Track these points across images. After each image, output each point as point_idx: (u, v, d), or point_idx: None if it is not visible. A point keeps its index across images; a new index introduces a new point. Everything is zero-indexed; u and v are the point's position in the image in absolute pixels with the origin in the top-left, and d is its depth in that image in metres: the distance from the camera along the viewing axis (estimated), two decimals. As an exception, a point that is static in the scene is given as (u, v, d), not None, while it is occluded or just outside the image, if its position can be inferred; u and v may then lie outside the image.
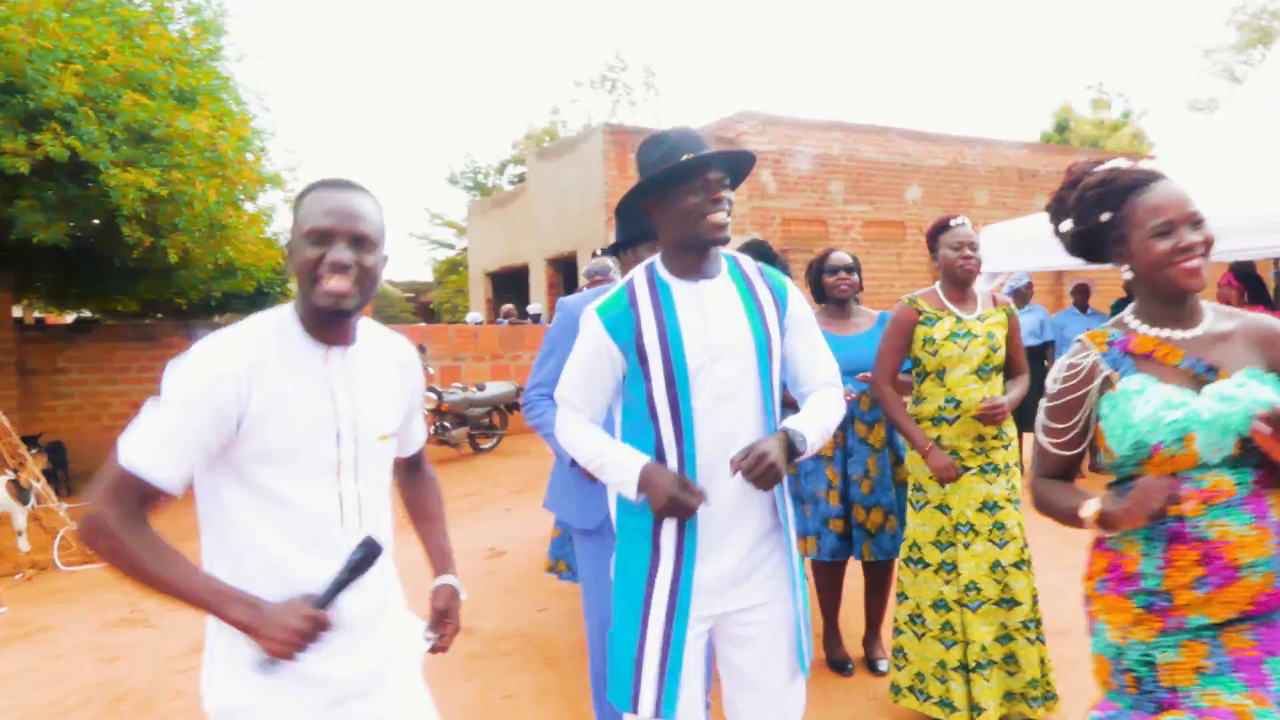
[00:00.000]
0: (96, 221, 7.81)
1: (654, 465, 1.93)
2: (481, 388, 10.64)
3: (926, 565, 3.17)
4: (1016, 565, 3.07)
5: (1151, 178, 1.72)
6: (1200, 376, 1.65)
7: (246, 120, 8.67)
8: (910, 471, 3.28)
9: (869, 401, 3.60)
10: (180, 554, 1.50)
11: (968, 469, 3.11)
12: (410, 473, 2.03)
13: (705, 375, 1.94)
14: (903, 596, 3.27)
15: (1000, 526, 3.08)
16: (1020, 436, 3.44)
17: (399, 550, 1.84)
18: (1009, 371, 3.30)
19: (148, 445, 1.48)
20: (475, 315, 15.74)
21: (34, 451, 6.94)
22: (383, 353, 1.75)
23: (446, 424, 10.10)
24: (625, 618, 1.98)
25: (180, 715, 3.66)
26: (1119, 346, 1.73)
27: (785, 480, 2.03)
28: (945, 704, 3.11)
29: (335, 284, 1.55)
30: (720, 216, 1.93)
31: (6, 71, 6.40)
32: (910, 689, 3.22)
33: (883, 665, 3.73)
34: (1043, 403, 1.82)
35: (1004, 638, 3.07)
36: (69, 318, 13.21)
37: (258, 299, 12.32)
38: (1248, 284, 6.19)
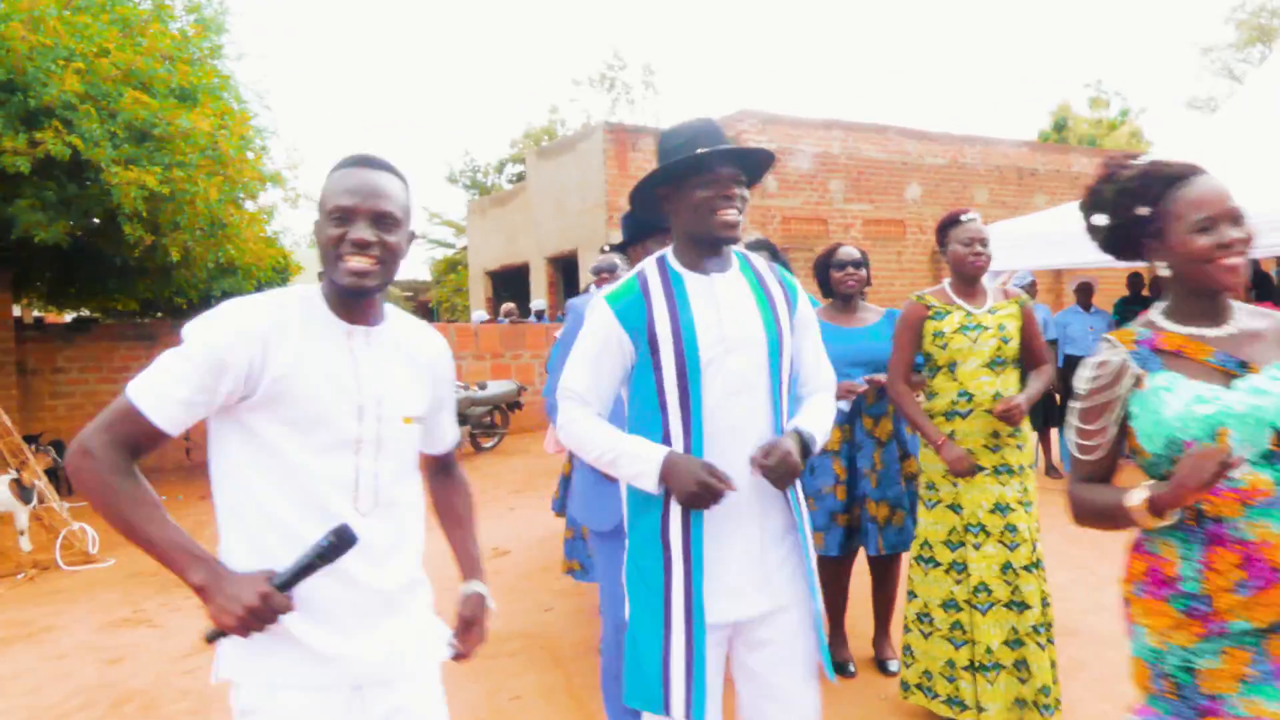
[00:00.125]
0: (96, 220, 7.79)
1: (676, 453, 1.88)
2: (483, 386, 10.62)
3: (937, 564, 3.15)
4: (1027, 568, 3.04)
5: (1192, 171, 1.68)
6: (1230, 372, 1.62)
7: (247, 118, 8.65)
8: (923, 470, 3.27)
9: (875, 395, 3.59)
10: (159, 505, 1.48)
11: (981, 469, 3.09)
12: (440, 474, 2.00)
13: (717, 368, 1.91)
14: (912, 595, 3.26)
15: (1012, 529, 3.06)
16: (1047, 433, 3.42)
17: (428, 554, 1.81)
18: (1030, 363, 3.28)
19: (155, 386, 1.49)
20: (480, 314, 15.69)
21: (38, 451, 6.92)
22: (411, 340, 1.75)
23: (447, 423, 10.06)
24: (645, 620, 1.95)
25: (185, 717, 3.64)
26: (1147, 345, 1.69)
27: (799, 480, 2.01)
28: (954, 702, 3.10)
29: (356, 262, 1.55)
30: (731, 214, 1.90)
31: (7, 69, 6.38)
32: (919, 686, 3.21)
33: (893, 665, 3.71)
34: (1073, 405, 1.77)
35: (1014, 642, 3.03)
36: (68, 317, 13.18)
37: (257, 298, 12.29)
38: (1255, 282, 6.18)
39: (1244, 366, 1.62)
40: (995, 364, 3.11)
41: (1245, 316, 1.70)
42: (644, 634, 1.94)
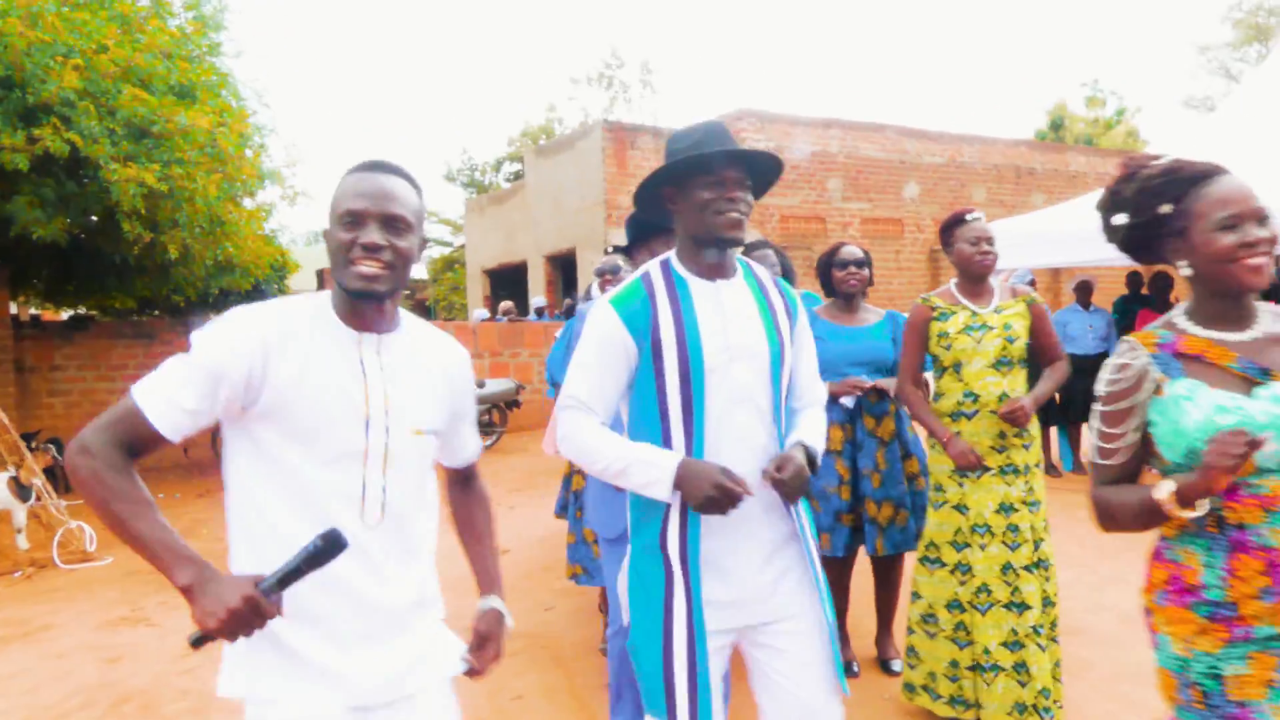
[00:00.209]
0: (95, 218, 7.76)
1: (691, 459, 1.85)
2: (481, 385, 10.60)
3: (943, 565, 3.15)
4: (1028, 568, 3.03)
5: (1216, 171, 1.66)
6: (1253, 379, 1.59)
7: (246, 116, 8.63)
8: (931, 471, 3.26)
9: (876, 395, 3.58)
10: (151, 505, 1.46)
11: (987, 469, 3.08)
12: (461, 488, 1.97)
13: (720, 376, 1.89)
14: (917, 596, 3.24)
15: (1014, 529, 3.05)
16: (1046, 432, 3.40)
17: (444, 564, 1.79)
18: (1044, 360, 3.27)
19: (159, 391, 1.50)
20: (482, 312, 15.65)
21: (36, 449, 6.90)
22: (426, 349, 1.71)
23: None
24: (647, 632, 1.92)
25: (185, 716, 3.62)
26: (1168, 349, 1.66)
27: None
28: (957, 701, 3.10)
29: (366, 266, 1.53)
30: (734, 215, 1.88)
31: (5, 65, 6.35)
32: (924, 688, 3.20)
33: (896, 665, 3.70)
34: (1095, 407, 1.74)
35: (1014, 644, 3.00)
36: (65, 315, 13.15)
37: (254, 296, 12.21)
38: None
39: (1267, 374, 1.59)
40: (1001, 364, 3.10)
41: (1270, 320, 1.66)
42: (644, 642, 1.92)
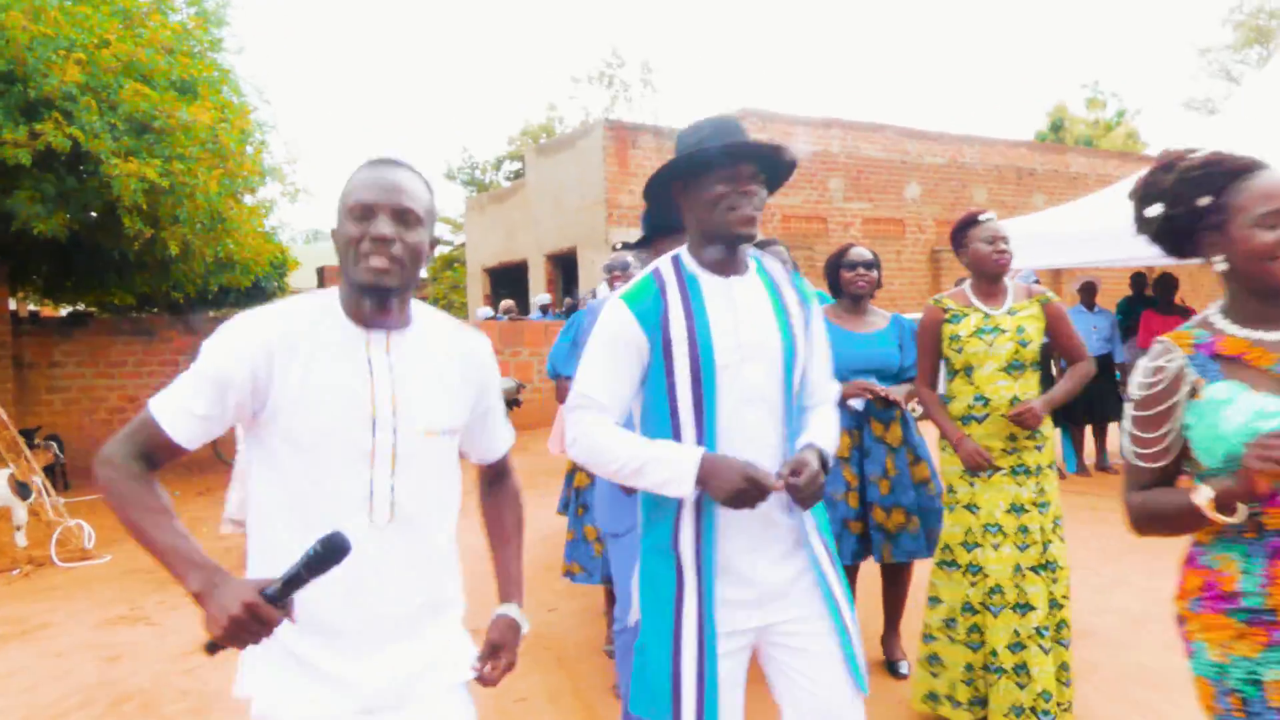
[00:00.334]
0: (95, 214, 7.73)
1: (714, 453, 1.80)
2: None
3: (957, 567, 3.12)
4: (1035, 569, 3.00)
5: (1257, 165, 1.62)
6: None
7: (247, 112, 8.60)
8: (943, 473, 3.23)
9: (883, 401, 3.55)
10: (167, 512, 1.47)
11: (998, 469, 3.06)
12: (491, 485, 1.92)
13: (732, 375, 1.85)
14: (937, 600, 3.19)
15: (1024, 530, 3.02)
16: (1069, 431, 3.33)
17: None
18: (1066, 360, 3.24)
19: (170, 400, 1.52)
20: (486, 310, 15.59)
21: (36, 446, 6.87)
22: (442, 343, 1.66)
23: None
24: (655, 629, 1.90)
25: (185, 716, 3.59)
26: (1205, 349, 1.61)
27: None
28: (975, 703, 3.07)
29: (376, 260, 1.49)
30: (747, 211, 1.84)
31: (7, 60, 6.33)
32: (947, 697, 3.13)
33: (903, 668, 3.67)
34: (1128, 410, 1.69)
35: (1016, 645, 2.98)
36: (63, 311, 13.11)
37: (254, 293, 12.23)
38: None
39: None
40: (1013, 368, 3.06)
41: None
42: (653, 643, 1.89)
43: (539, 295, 15.80)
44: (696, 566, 1.86)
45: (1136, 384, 1.67)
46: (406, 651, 1.59)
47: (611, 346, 1.88)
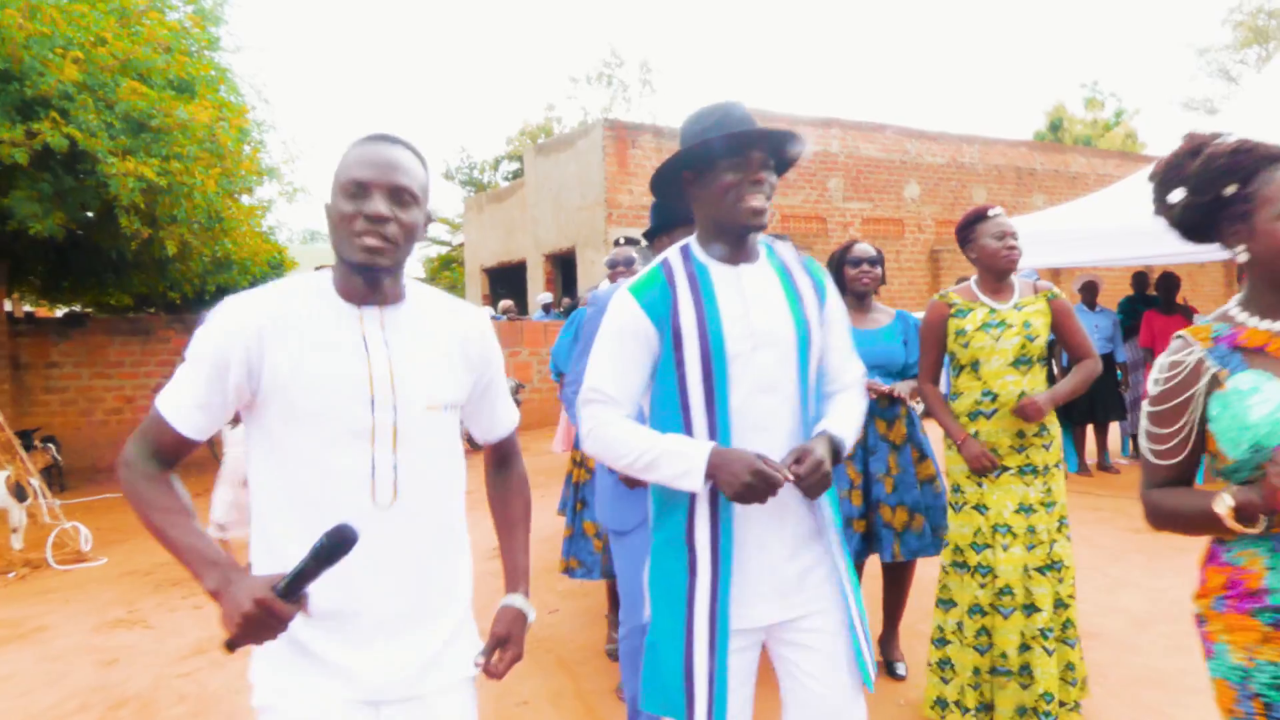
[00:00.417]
0: (92, 213, 7.69)
1: (723, 446, 1.77)
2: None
3: (967, 568, 3.08)
4: (1041, 569, 2.97)
5: None
6: None
7: (245, 111, 8.56)
8: (949, 472, 3.20)
9: (887, 400, 3.52)
10: (184, 511, 1.48)
11: (1006, 469, 3.02)
12: (498, 469, 1.90)
13: (744, 364, 1.81)
14: (950, 603, 3.14)
15: (1032, 530, 2.99)
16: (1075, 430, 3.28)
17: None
18: (1072, 356, 3.20)
19: (173, 393, 1.52)
20: (485, 310, 15.52)
21: (36, 447, 6.83)
22: (439, 319, 1.64)
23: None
24: (667, 624, 1.86)
25: (184, 720, 3.56)
26: (1225, 341, 1.57)
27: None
28: (982, 708, 3.04)
29: (370, 239, 1.47)
30: (758, 200, 1.81)
31: (4, 58, 6.29)
32: (956, 703, 3.08)
33: (900, 669, 3.65)
34: (1145, 406, 1.66)
35: (1021, 646, 2.96)
36: (59, 312, 13.06)
37: (252, 293, 12.20)
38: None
39: None
40: (1020, 363, 3.02)
41: None
42: (665, 638, 1.86)
43: (541, 294, 15.75)
44: (712, 559, 1.82)
45: (1153, 380, 1.63)
46: (413, 642, 1.56)
47: (620, 339, 1.85)
